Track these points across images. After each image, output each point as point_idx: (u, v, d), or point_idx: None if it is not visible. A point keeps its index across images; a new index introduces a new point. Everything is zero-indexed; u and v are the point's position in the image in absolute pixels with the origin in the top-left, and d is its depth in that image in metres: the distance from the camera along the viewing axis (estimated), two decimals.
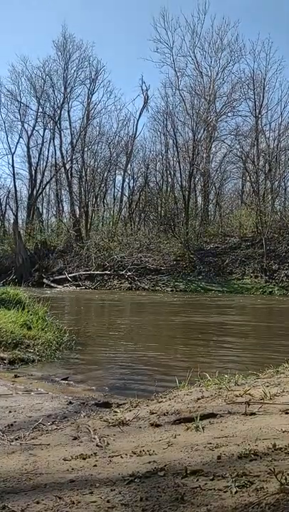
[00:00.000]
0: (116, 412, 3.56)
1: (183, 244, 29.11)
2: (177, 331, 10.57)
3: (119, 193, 38.67)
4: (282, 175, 33.01)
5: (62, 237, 34.51)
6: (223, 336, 9.94)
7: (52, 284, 28.64)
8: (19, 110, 38.89)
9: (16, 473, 2.17)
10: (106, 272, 28.72)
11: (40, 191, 40.09)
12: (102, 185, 38.39)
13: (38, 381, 5.44)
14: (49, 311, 8.91)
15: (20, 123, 39.15)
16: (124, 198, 38.32)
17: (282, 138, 32.52)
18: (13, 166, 39.56)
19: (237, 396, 3.28)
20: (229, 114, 33.80)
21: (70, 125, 37.80)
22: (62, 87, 37.78)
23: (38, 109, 38.67)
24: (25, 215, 40.22)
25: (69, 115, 37.98)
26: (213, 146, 33.91)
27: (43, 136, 39.26)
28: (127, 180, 38.18)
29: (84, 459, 2.30)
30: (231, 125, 34.44)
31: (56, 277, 29.69)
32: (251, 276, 26.01)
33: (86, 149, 36.84)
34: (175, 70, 35.09)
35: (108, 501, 1.72)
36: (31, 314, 8.26)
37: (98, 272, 28.83)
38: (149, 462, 2.13)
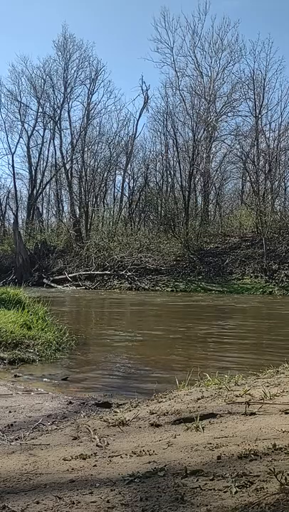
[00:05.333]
0: (116, 412, 3.56)
1: (183, 244, 29.10)
2: (177, 331, 10.56)
3: (119, 193, 38.71)
4: (282, 175, 33.04)
5: (62, 237, 34.51)
6: (223, 335, 9.94)
7: (52, 284, 28.64)
8: (19, 110, 39.00)
9: (16, 473, 2.17)
10: (106, 272, 28.71)
11: (40, 191, 40.11)
12: (102, 185, 38.39)
13: (38, 381, 5.44)
14: (49, 311, 8.90)
15: (20, 123, 39.26)
16: (124, 198, 38.36)
17: (282, 138, 32.56)
18: (13, 166, 39.68)
19: (237, 396, 3.27)
20: (229, 114, 33.87)
21: (70, 125, 37.88)
22: (63, 87, 37.86)
23: (38, 109, 38.78)
24: (25, 215, 40.27)
25: (69, 115, 38.05)
26: (213, 146, 33.97)
27: (43, 136, 39.37)
28: (127, 180, 38.24)
29: (84, 459, 2.30)
30: (231, 125, 34.51)
31: (56, 277, 29.68)
32: (251, 276, 26.00)
33: (86, 149, 36.85)
34: (175, 70, 35.16)
35: (108, 501, 1.72)
36: (31, 314, 8.26)
37: (98, 272, 28.82)
38: (149, 462, 2.13)
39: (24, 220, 39.48)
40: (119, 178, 39.19)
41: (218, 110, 33.78)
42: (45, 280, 29.34)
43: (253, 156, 31.47)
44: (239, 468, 1.90)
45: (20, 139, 39.79)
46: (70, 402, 4.24)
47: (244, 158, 32.46)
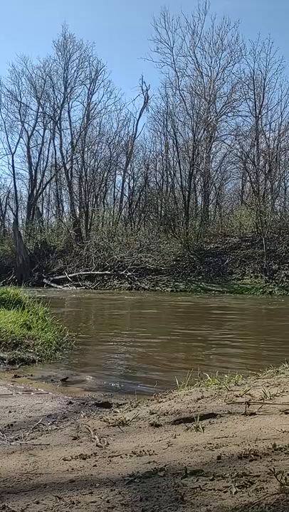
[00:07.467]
0: (116, 412, 3.56)
1: (183, 244, 29.10)
2: (177, 331, 10.56)
3: (119, 193, 38.74)
4: (282, 175, 33.08)
5: (62, 237, 34.54)
6: (223, 336, 9.93)
7: (52, 284, 28.64)
8: (19, 110, 39.07)
9: (15, 473, 2.17)
10: (106, 272, 28.71)
11: (40, 191, 40.12)
12: (102, 185, 38.40)
13: (38, 381, 5.43)
14: (49, 311, 8.90)
15: (20, 123, 39.30)
16: (124, 198, 38.40)
17: (282, 138, 32.59)
18: (13, 166, 39.74)
19: (237, 396, 3.27)
20: (229, 114, 33.88)
21: (70, 125, 37.94)
22: (63, 87, 37.94)
23: (38, 109, 38.84)
24: (25, 215, 40.30)
25: (69, 115, 38.11)
26: (213, 146, 33.98)
27: (43, 136, 39.41)
28: (127, 180, 38.27)
29: (84, 459, 2.30)
30: (231, 125, 34.48)
31: (56, 277, 29.69)
32: (251, 277, 26.00)
33: (86, 149, 36.89)
34: (175, 70, 35.18)
35: (108, 501, 1.72)
36: (31, 314, 8.25)
37: (98, 272, 28.83)
38: (149, 462, 2.13)
39: (24, 220, 39.51)
40: (119, 178, 39.29)
41: (218, 110, 33.82)
42: (45, 280, 29.34)
43: (253, 156, 31.50)
44: (239, 468, 1.90)
45: (21, 139, 39.93)
46: (70, 402, 4.24)
47: (244, 158, 32.49)
